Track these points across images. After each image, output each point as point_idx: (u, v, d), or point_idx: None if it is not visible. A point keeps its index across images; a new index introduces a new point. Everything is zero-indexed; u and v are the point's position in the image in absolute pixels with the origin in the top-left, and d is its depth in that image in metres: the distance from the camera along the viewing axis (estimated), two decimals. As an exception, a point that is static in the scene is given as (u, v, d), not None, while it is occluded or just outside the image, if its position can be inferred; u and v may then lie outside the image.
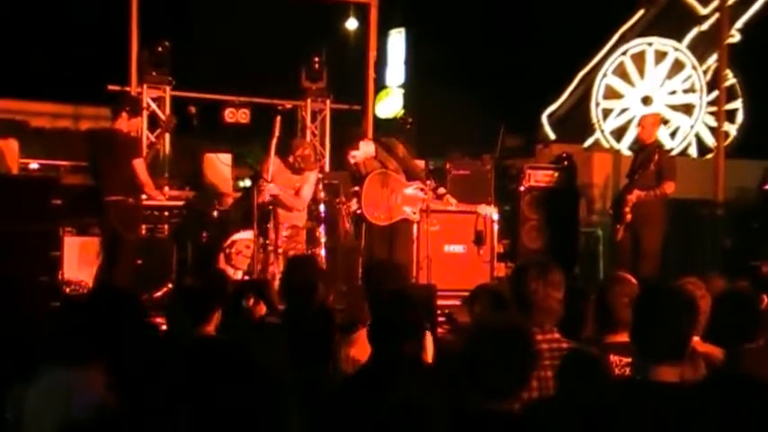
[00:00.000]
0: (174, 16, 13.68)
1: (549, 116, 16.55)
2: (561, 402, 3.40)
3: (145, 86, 11.30)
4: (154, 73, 11.31)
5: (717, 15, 14.65)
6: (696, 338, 4.22)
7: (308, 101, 12.53)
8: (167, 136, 11.04)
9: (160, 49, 11.26)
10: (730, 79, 15.14)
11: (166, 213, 9.59)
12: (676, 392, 3.14)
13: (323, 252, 8.75)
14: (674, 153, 14.02)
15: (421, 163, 9.52)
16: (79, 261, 9.33)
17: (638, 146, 10.29)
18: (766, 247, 10.71)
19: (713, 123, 14.87)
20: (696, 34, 16.30)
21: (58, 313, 7.28)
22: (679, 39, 16.28)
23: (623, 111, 16.08)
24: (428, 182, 8.61)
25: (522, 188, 10.96)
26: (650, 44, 16.13)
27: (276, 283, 6.93)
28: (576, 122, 16.26)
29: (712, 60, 15.52)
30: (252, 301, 5.46)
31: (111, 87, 11.13)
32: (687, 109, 16.29)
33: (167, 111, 11.26)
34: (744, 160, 13.73)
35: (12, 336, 3.82)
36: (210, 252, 9.09)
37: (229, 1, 14.70)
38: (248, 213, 8.37)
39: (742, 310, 4.46)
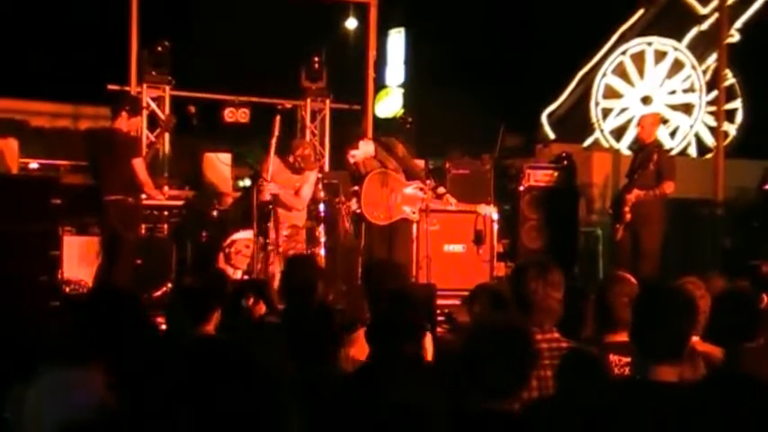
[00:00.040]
0: (174, 16, 13.68)
1: (549, 116, 16.55)
2: (561, 402, 3.40)
3: (144, 86, 11.30)
4: (153, 72, 11.31)
5: (716, 15, 14.66)
6: (696, 338, 4.23)
7: (308, 100, 12.53)
8: (167, 135, 11.03)
9: (160, 48, 11.26)
10: (730, 79, 15.15)
11: (166, 213, 9.59)
12: (676, 392, 3.14)
13: (322, 252, 8.75)
14: (673, 153, 14.03)
15: (420, 162, 9.52)
16: (79, 260, 9.33)
17: (637, 145, 10.29)
18: (766, 246, 10.71)
19: (713, 123, 14.87)
20: (696, 34, 16.31)
21: (59, 313, 7.30)
22: (679, 38, 16.29)
23: (623, 110, 16.08)
24: (428, 181, 8.61)
25: (521, 188, 10.96)
26: (650, 44, 16.13)
27: (276, 283, 6.93)
28: (576, 122, 16.27)
29: (712, 60, 15.53)
30: (251, 300, 5.47)
31: (110, 87, 11.13)
32: (687, 109, 16.30)
33: (167, 110, 11.26)
34: (743, 160, 13.73)
35: (12, 335, 3.81)
36: (210, 252, 9.09)
37: (229, 1, 14.69)
38: (248, 213, 8.37)
39: (742, 310, 4.46)
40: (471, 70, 16.59)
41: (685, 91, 16.33)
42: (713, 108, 14.83)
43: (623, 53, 16.09)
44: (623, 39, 16.28)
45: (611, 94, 16.08)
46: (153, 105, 11.37)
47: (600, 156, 13.58)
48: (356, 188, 8.57)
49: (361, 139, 8.89)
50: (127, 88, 11.24)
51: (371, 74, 13.02)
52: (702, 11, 16.25)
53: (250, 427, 1.80)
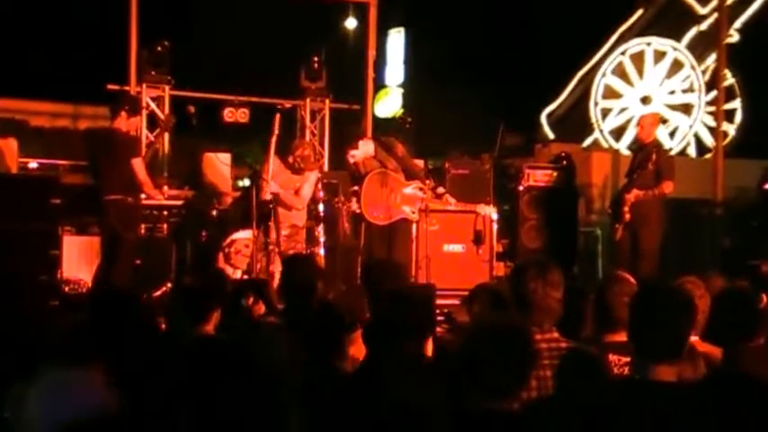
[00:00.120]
0: (174, 16, 13.69)
1: (549, 116, 16.57)
2: (560, 402, 3.41)
3: (144, 86, 11.30)
4: (153, 72, 11.31)
5: (715, 15, 14.66)
6: (695, 338, 4.23)
7: (308, 100, 12.53)
8: (166, 135, 11.03)
9: (159, 48, 11.26)
10: (729, 79, 15.16)
11: (165, 213, 9.59)
12: (675, 392, 3.15)
13: (322, 251, 8.75)
14: (672, 153, 14.04)
15: (420, 162, 9.52)
16: (78, 260, 9.33)
17: (636, 145, 10.29)
18: (765, 246, 10.71)
19: (712, 123, 14.88)
20: (695, 34, 16.33)
21: (59, 312, 7.30)
22: (678, 38, 16.30)
23: (622, 110, 16.10)
24: (427, 181, 8.61)
25: (521, 187, 10.96)
26: (649, 44, 16.15)
27: (275, 283, 6.93)
28: (575, 122, 16.29)
29: (711, 60, 15.54)
30: (251, 300, 5.47)
31: (110, 87, 11.13)
32: (686, 109, 16.32)
33: (166, 110, 11.26)
34: (743, 160, 13.74)
35: (12, 335, 3.82)
36: (209, 251, 9.09)
37: (229, 1, 14.69)
38: (247, 213, 8.37)
39: (741, 310, 4.46)
40: (471, 70, 16.61)
41: (684, 91, 16.34)
42: (712, 108, 14.83)
43: (623, 53, 16.10)
44: (623, 39, 16.30)
45: (610, 94, 16.09)
46: (152, 105, 11.37)
47: (599, 156, 13.59)
48: (356, 188, 8.57)
49: (360, 138, 8.89)
50: (126, 88, 11.24)
51: (371, 74, 13.02)
52: (701, 11, 16.26)
53: (250, 427, 1.81)
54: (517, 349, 3.17)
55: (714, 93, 14.44)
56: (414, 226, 8.81)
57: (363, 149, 8.57)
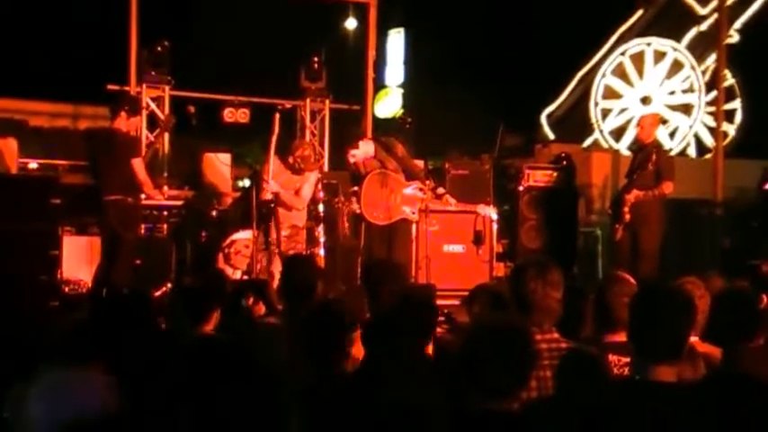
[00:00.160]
0: (174, 16, 13.69)
1: (548, 116, 16.57)
2: (560, 402, 3.41)
3: (144, 86, 11.30)
4: (153, 72, 11.31)
5: (715, 15, 14.66)
6: (695, 338, 4.23)
7: (308, 100, 12.53)
8: (166, 135, 11.03)
9: (159, 48, 11.25)
10: (729, 79, 15.16)
11: (165, 213, 9.59)
12: (675, 392, 3.15)
13: (322, 252, 8.75)
14: (672, 153, 14.04)
15: (420, 163, 9.52)
16: (78, 260, 9.33)
17: (636, 146, 10.29)
18: (765, 246, 10.71)
19: (712, 123, 14.88)
20: (695, 34, 16.33)
21: (59, 312, 7.30)
22: (678, 39, 16.30)
23: (622, 111, 16.10)
24: (427, 182, 8.61)
25: (520, 188, 10.96)
26: (649, 44, 16.14)
27: (276, 283, 6.93)
28: (575, 122, 16.28)
29: (711, 60, 15.54)
30: (251, 300, 5.47)
31: (110, 87, 11.13)
32: (686, 109, 16.31)
33: (166, 110, 11.26)
34: (742, 160, 13.74)
35: (12, 335, 3.82)
36: (209, 252, 9.09)
37: (229, 1, 14.70)
38: (247, 213, 8.37)
39: (741, 310, 4.46)
40: (470, 70, 16.61)
41: (684, 91, 16.34)
42: (712, 108, 14.83)
43: (623, 54, 16.10)
44: (622, 39, 16.30)
45: (610, 94, 16.09)
46: (152, 105, 11.37)
47: (599, 156, 13.59)
48: (356, 188, 8.58)
49: (361, 138, 8.89)
50: (126, 88, 11.24)
51: (371, 74, 13.02)
52: (701, 11, 16.26)
53: (250, 427, 1.81)
54: (517, 349, 3.17)
55: (714, 93, 14.44)
56: (414, 226, 8.81)
57: (364, 149, 8.58)
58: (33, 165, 11.06)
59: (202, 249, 9.37)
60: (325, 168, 11.92)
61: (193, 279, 5.67)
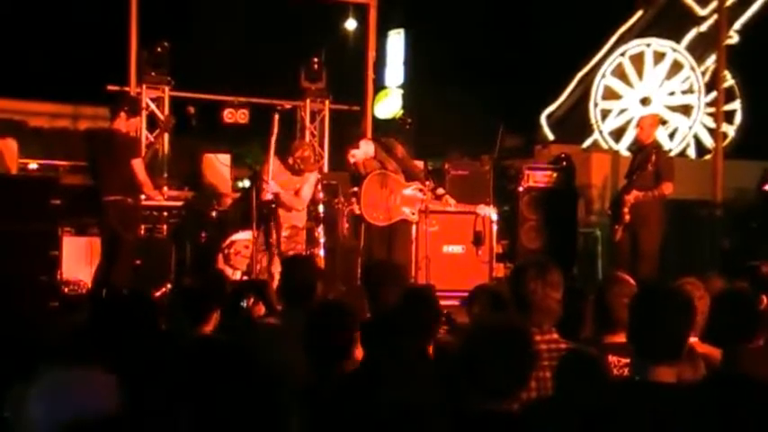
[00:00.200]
0: (174, 16, 13.69)
1: (548, 117, 16.58)
2: (559, 403, 3.41)
3: (144, 87, 11.30)
4: (153, 73, 11.31)
5: (715, 16, 14.66)
6: (695, 339, 4.23)
7: (308, 101, 12.53)
8: (166, 136, 11.04)
9: (159, 49, 11.26)
10: (729, 80, 15.16)
11: (165, 213, 9.59)
12: (674, 393, 3.15)
13: (322, 252, 8.75)
14: (672, 154, 14.04)
15: (420, 163, 9.52)
16: (78, 261, 9.33)
17: (636, 146, 10.29)
18: (765, 247, 10.71)
19: (712, 124, 14.88)
20: (695, 35, 16.34)
21: (59, 313, 7.30)
22: (677, 40, 16.30)
23: (622, 111, 16.10)
24: (427, 182, 8.62)
25: (520, 188, 10.96)
26: (649, 45, 16.15)
27: (275, 284, 6.93)
28: (575, 123, 16.29)
29: (711, 61, 15.54)
30: (251, 301, 5.47)
31: (110, 87, 11.14)
32: (686, 110, 16.32)
33: (166, 111, 11.27)
34: (742, 161, 13.75)
35: (12, 335, 3.82)
36: (209, 252, 9.09)
37: (229, 1, 14.71)
38: (247, 214, 8.37)
39: (741, 311, 4.46)
40: (470, 71, 16.62)
41: (684, 92, 16.35)
42: (712, 109, 14.84)
43: (622, 54, 16.11)
44: (622, 40, 16.30)
45: (610, 95, 16.10)
46: (152, 106, 11.37)
47: (599, 157, 13.59)
48: (355, 189, 8.58)
49: (361, 138, 8.90)
50: (126, 89, 11.24)
51: (371, 75, 13.02)
52: (701, 12, 16.27)
53: (250, 427, 1.81)
54: (517, 350, 3.17)
55: (714, 94, 14.45)
56: (413, 227, 8.81)
57: (364, 149, 8.58)
58: (33, 165, 11.07)
59: (202, 250, 9.37)
60: (325, 169, 11.92)
61: (193, 280, 5.66)
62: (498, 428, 3.06)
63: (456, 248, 9.62)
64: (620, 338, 4.08)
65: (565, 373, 3.54)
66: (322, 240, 8.81)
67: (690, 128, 16.31)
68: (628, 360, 3.96)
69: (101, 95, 10.99)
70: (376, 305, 5.17)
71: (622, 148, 15.40)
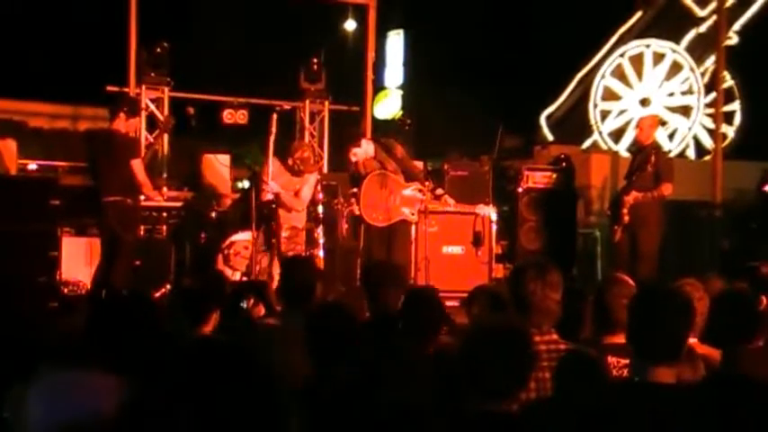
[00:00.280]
0: (173, 17, 13.70)
1: (548, 117, 16.58)
2: (559, 403, 3.41)
3: (143, 87, 11.30)
4: (152, 74, 11.30)
5: (714, 17, 14.67)
6: (694, 340, 4.23)
7: (307, 102, 12.53)
8: (166, 137, 11.04)
9: (159, 49, 11.25)
10: (728, 81, 15.17)
11: (165, 214, 9.59)
12: (674, 394, 3.15)
13: (321, 253, 8.75)
14: (671, 155, 14.05)
15: (419, 164, 9.52)
16: (77, 261, 9.33)
17: (635, 147, 10.30)
18: (765, 247, 10.72)
19: (711, 125, 14.89)
20: (694, 36, 16.34)
21: (58, 314, 7.30)
22: (677, 40, 16.31)
23: (621, 112, 16.11)
24: (426, 183, 8.62)
25: (520, 189, 10.96)
26: (648, 46, 16.16)
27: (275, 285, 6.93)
28: (575, 124, 16.30)
29: (710, 62, 15.55)
30: (251, 302, 5.47)
31: (109, 88, 11.13)
32: (685, 111, 16.33)
33: (166, 111, 11.27)
34: (742, 162, 13.75)
35: (11, 336, 3.82)
36: (209, 253, 9.08)
37: (228, 1, 14.71)
38: (246, 214, 8.37)
39: (740, 311, 4.46)
40: (470, 72, 16.63)
41: (684, 93, 16.36)
42: (711, 110, 14.84)
43: (622, 55, 16.11)
44: (622, 41, 16.31)
45: (609, 95, 16.10)
46: (152, 106, 11.37)
47: (598, 157, 13.60)
48: (355, 190, 8.57)
49: (362, 137, 8.91)
50: (126, 89, 11.24)
51: (370, 75, 13.02)
52: (701, 13, 16.27)
53: (250, 428, 1.81)
54: (516, 351, 3.17)
55: (713, 95, 14.45)
56: (413, 228, 8.81)
57: (365, 149, 8.58)
58: (33, 166, 11.07)
59: (202, 251, 9.37)
60: (325, 170, 11.93)
61: (193, 280, 5.66)
62: (497, 429, 3.06)
63: (455, 249, 9.62)
64: (620, 339, 4.08)
65: (564, 373, 3.54)
66: (321, 241, 8.81)
67: (689, 129, 16.32)
68: (627, 361, 3.96)
69: (100, 96, 10.98)
70: (375, 306, 5.17)
71: (622, 148, 15.41)
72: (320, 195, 8.89)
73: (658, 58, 16.18)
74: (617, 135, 15.96)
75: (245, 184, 10.48)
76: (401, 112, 16.65)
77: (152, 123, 11.26)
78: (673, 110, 16.30)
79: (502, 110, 14.06)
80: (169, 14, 13.33)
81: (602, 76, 16.05)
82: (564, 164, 11.39)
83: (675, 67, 16.23)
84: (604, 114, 16.06)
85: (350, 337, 3.92)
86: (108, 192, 8.15)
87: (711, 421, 2.72)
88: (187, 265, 9.33)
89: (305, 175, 8.41)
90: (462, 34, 16.72)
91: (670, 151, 14.66)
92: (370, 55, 13.00)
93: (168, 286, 8.97)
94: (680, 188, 9.92)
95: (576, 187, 11.54)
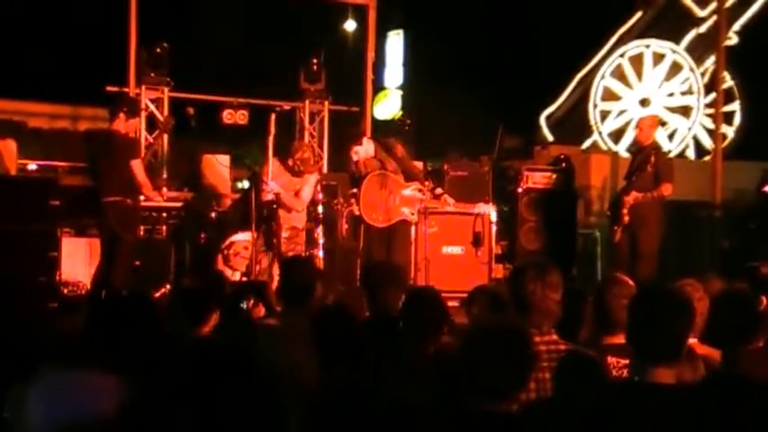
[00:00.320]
0: (173, 17, 13.70)
1: (548, 118, 16.59)
2: (559, 404, 3.41)
3: (143, 87, 11.30)
4: (152, 74, 11.30)
5: (714, 17, 14.67)
6: (694, 340, 4.23)
7: (307, 102, 12.53)
8: (165, 137, 11.04)
9: (158, 50, 11.25)
10: (728, 81, 15.17)
11: (164, 214, 9.59)
12: (674, 394, 3.15)
13: (321, 253, 8.75)
14: (671, 155, 14.05)
15: (419, 164, 9.52)
16: (77, 262, 9.33)
17: (635, 148, 10.30)
18: (764, 248, 10.71)
19: (711, 125, 14.89)
20: (694, 36, 16.35)
21: (58, 314, 7.30)
22: (677, 41, 16.32)
23: (621, 112, 16.11)
24: (426, 183, 8.62)
25: (519, 189, 10.96)
26: (648, 46, 16.16)
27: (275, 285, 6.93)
28: (574, 124, 16.30)
29: (710, 62, 15.56)
30: (251, 302, 5.47)
31: (109, 88, 11.13)
32: (685, 111, 16.33)
33: (165, 112, 11.27)
34: (741, 162, 13.76)
35: (11, 336, 3.82)
36: (209, 253, 9.08)
37: (228, 2, 14.71)
38: (246, 215, 8.37)
39: (740, 312, 4.46)
40: (470, 72, 16.63)
41: (683, 93, 16.36)
42: (711, 110, 14.84)
43: (621, 55, 16.12)
44: (622, 41, 16.32)
45: (609, 96, 16.11)
46: (152, 107, 11.37)
47: (598, 158, 13.60)
48: (355, 190, 8.57)
49: (363, 136, 8.91)
50: (125, 90, 11.24)
51: (370, 75, 13.02)
52: (700, 13, 16.28)
53: (250, 428, 1.81)
54: (516, 351, 3.17)
55: (713, 95, 14.45)
56: (413, 228, 8.81)
57: (366, 147, 8.58)
58: (32, 166, 11.07)
59: (201, 251, 9.37)
60: (325, 170, 11.93)
61: (192, 281, 5.65)
62: (497, 429, 3.06)
63: (455, 249, 9.62)
64: (620, 339, 4.08)
65: (564, 374, 3.54)
66: (321, 241, 8.81)
67: (689, 129, 16.32)
68: (627, 361, 3.96)
69: (100, 96, 10.99)
70: (375, 306, 5.17)
71: (621, 149, 15.41)
72: (320, 195, 8.90)
73: (658, 58, 16.18)
74: (617, 135, 15.96)
75: (245, 184, 10.48)
76: (401, 113, 16.65)
77: (152, 124, 11.26)
78: (672, 110, 16.30)
79: (502, 110, 14.06)
80: (169, 14, 13.33)
81: (602, 77, 16.06)
82: (564, 164, 11.40)
83: (675, 68, 16.24)
84: (604, 115, 16.07)
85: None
86: (108, 192, 8.15)
87: (711, 422, 2.72)
88: (187, 266, 9.33)
89: (305, 176, 8.41)
90: (462, 34, 16.72)
91: (670, 151, 14.66)
92: (370, 55, 13.00)
93: (168, 286, 8.97)
94: (680, 188, 9.91)
95: (576, 188, 11.55)
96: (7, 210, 8.18)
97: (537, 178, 11.06)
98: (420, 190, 8.57)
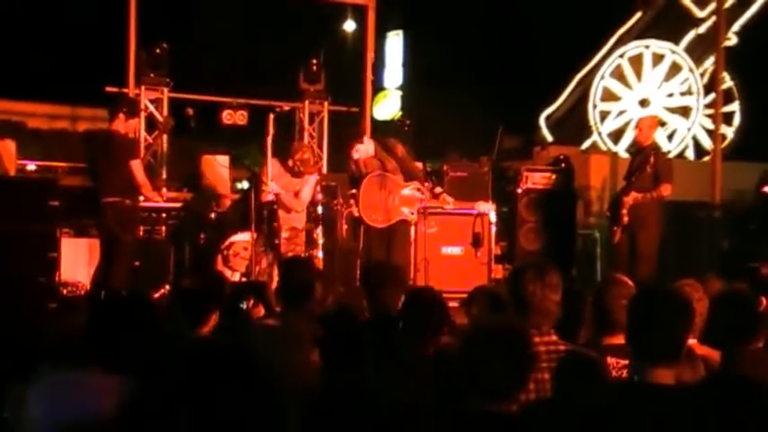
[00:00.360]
0: (173, 17, 13.70)
1: (547, 118, 16.59)
2: (558, 404, 3.41)
3: (143, 88, 11.29)
4: (152, 74, 11.29)
5: (714, 18, 14.67)
6: (693, 341, 4.23)
7: (306, 102, 12.52)
8: (165, 137, 11.04)
9: (158, 50, 11.25)
10: (727, 82, 15.18)
11: (164, 215, 9.57)
12: (674, 394, 3.15)
13: (321, 254, 8.75)
14: (671, 155, 14.06)
15: (419, 164, 9.52)
16: (77, 262, 9.32)
17: (635, 148, 10.31)
18: (764, 248, 10.71)
19: (710, 126, 14.90)
20: (693, 37, 16.36)
21: (57, 314, 7.29)
22: (676, 41, 16.33)
23: (620, 113, 16.12)
24: (426, 183, 8.61)
25: (519, 190, 10.96)
26: (647, 47, 16.17)
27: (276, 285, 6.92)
28: (574, 124, 16.31)
29: (709, 63, 15.56)
30: (251, 303, 5.47)
31: (108, 89, 11.13)
32: (684, 111, 16.34)
33: (165, 112, 11.26)
34: (741, 162, 13.76)
35: (10, 336, 3.82)
36: (208, 254, 9.08)
37: (228, 2, 14.71)
38: (246, 215, 8.37)
39: (740, 312, 4.46)
40: (469, 72, 16.64)
41: (683, 94, 16.37)
42: (711, 111, 14.85)
43: (621, 56, 16.12)
44: (621, 41, 16.33)
45: (608, 96, 16.11)
46: (151, 107, 11.37)
47: (597, 158, 13.61)
48: (354, 191, 8.57)
49: (363, 135, 8.91)
50: (125, 90, 11.24)
51: (369, 76, 13.02)
52: (700, 14, 16.29)
53: (250, 428, 1.81)
54: (515, 352, 3.17)
55: (712, 95, 14.45)
56: (412, 228, 8.81)
57: (366, 147, 8.57)
58: (32, 166, 11.06)
59: (201, 251, 9.36)
60: (324, 170, 11.92)
61: (192, 281, 5.66)
62: (497, 430, 3.06)
63: (455, 250, 9.62)
64: (619, 340, 4.08)
65: (563, 374, 3.54)
66: (321, 242, 8.81)
67: (688, 129, 16.32)
68: (626, 361, 3.96)
69: (99, 97, 10.98)
70: (375, 306, 5.18)
71: (621, 149, 15.42)
72: (320, 196, 8.90)
73: (658, 58, 16.19)
74: (616, 136, 15.96)
75: (245, 184, 10.48)
76: (400, 113, 16.64)
77: (151, 124, 11.26)
78: (672, 110, 16.30)
79: (501, 110, 14.06)
80: (169, 15, 13.33)
81: (602, 77, 16.06)
82: (563, 165, 11.40)
83: (675, 68, 16.24)
84: (604, 115, 16.07)
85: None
86: (107, 192, 8.15)
87: (711, 422, 2.72)
88: (186, 266, 9.32)
89: (305, 176, 8.41)
90: (462, 34, 16.73)
91: (669, 152, 14.67)
92: (370, 55, 13.00)
93: (167, 287, 8.96)
94: (679, 189, 9.92)
95: (576, 188, 11.54)
96: (7, 210, 8.19)
97: (536, 179, 11.06)
98: (419, 189, 8.57)
